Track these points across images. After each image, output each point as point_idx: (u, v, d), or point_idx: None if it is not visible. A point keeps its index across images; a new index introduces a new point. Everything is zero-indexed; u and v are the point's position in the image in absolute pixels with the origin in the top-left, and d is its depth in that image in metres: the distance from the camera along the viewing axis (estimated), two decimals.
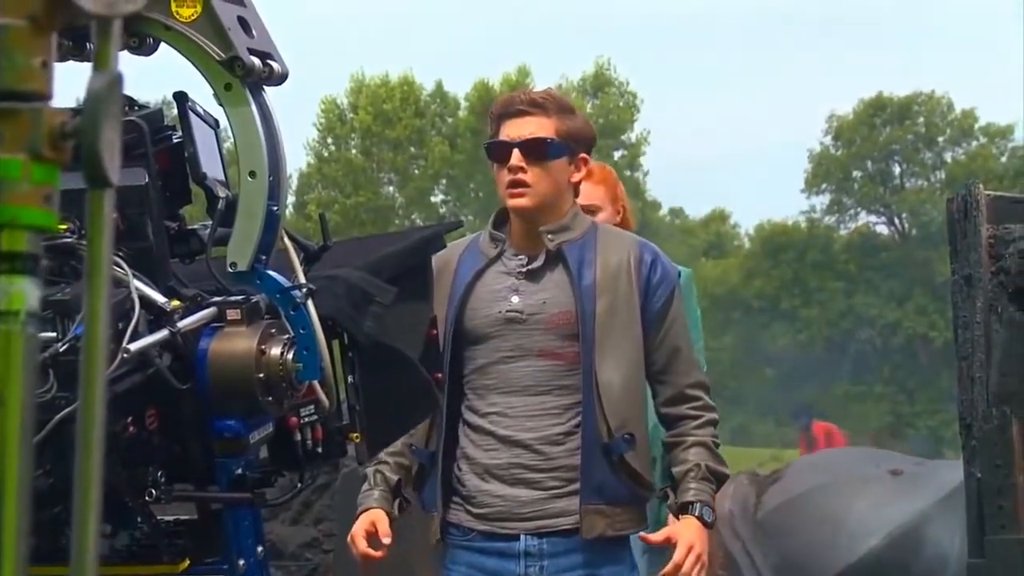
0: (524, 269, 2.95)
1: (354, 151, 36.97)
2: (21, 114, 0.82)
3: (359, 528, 2.92)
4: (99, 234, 0.84)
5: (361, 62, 64.08)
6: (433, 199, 37.62)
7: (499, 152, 2.96)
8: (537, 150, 2.93)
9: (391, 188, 37.49)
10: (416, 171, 36.88)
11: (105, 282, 0.84)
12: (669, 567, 2.81)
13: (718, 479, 2.91)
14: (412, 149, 36.70)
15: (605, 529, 2.85)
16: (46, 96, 0.84)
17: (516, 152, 2.92)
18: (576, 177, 3.01)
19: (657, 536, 2.90)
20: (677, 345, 2.97)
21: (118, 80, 0.83)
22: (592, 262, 2.92)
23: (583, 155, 3.02)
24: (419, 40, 61.58)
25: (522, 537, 2.87)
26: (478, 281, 2.96)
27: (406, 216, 36.99)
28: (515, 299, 2.93)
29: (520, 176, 2.92)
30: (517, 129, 2.95)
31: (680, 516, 2.88)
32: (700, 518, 2.85)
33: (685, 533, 2.83)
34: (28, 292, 0.83)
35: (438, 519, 2.94)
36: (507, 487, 2.88)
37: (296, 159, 36.02)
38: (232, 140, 1.75)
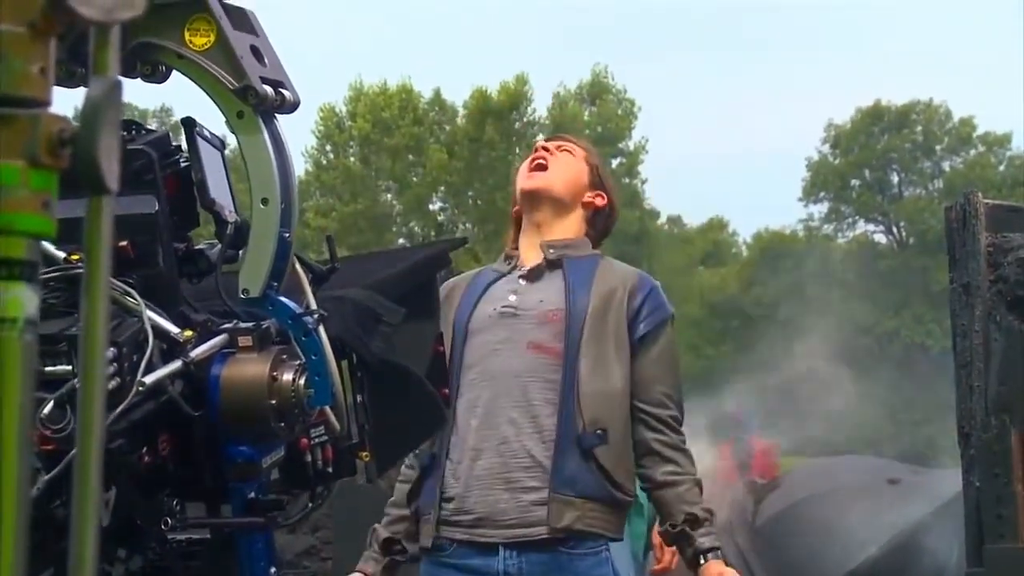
0: (525, 272, 3.06)
1: (352, 159, 36.94)
2: (19, 120, 0.81)
3: None
4: (97, 241, 0.83)
5: (359, 70, 64.05)
6: (431, 207, 37.57)
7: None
8: (565, 144, 3.22)
9: (389, 196, 37.45)
10: (414, 179, 36.84)
11: (104, 292, 0.83)
12: None
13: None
14: (410, 157, 36.63)
15: (574, 522, 2.83)
16: (44, 102, 0.83)
17: (546, 141, 3.24)
18: (589, 198, 3.15)
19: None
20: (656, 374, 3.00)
21: (117, 86, 0.82)
22: (590, 277, 3.01)
23: (601, 192, 3.18)
24: (417, 48, 61.68)
25: (501, 552, 2.86)
26: (488, 289, 3.07)
27: (404, 224, 36.99)
28: (512, 298, 3.01)
29: (542, 153, 3.15)
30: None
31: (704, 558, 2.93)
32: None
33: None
34: (26, 299, 0.81)
35: (432, 522, 2.93)
36: (487, 490, 2.88)
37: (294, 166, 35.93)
38: (243, 165, 1.76)
